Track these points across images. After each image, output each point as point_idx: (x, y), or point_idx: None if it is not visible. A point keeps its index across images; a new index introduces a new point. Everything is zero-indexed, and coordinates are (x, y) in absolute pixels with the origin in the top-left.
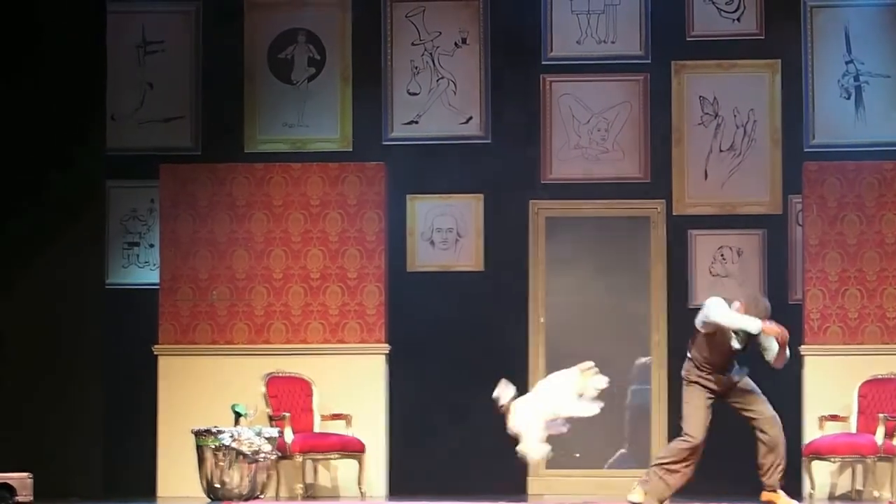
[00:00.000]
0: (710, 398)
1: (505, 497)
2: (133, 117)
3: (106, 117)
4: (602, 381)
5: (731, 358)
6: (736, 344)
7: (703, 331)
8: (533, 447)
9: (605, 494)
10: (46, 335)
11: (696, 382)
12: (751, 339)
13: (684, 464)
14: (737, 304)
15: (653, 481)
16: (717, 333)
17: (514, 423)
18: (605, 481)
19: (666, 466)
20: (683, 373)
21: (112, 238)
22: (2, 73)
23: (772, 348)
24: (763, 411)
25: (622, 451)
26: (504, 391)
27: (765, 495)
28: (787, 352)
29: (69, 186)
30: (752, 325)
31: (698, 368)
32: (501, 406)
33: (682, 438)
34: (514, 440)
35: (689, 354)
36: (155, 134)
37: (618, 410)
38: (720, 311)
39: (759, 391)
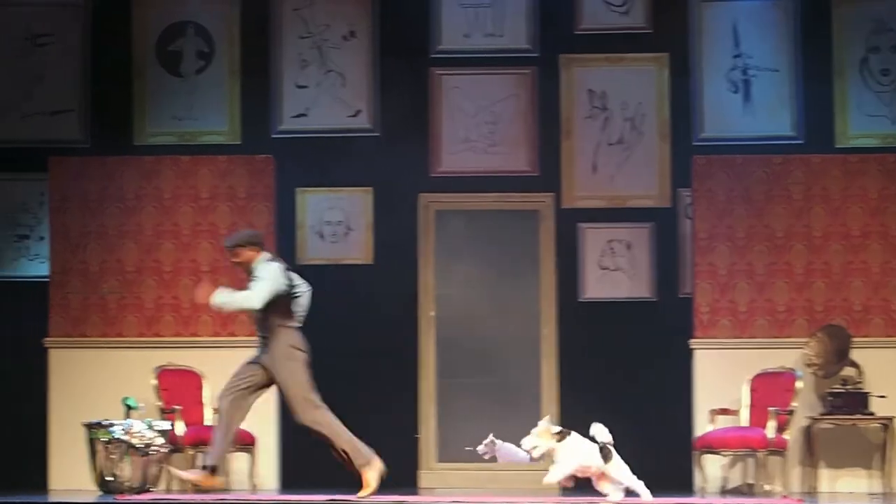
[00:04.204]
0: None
1: (396, 490)
2: (22, 110)
3: None
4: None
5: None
6: None
7: None
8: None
9: (495, 488)
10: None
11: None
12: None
13: None
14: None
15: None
16: None
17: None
18: (496, 475)
19: None
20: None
21: (2, 231)
22: None
23: None
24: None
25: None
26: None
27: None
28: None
29: None
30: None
31: None
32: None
33: None
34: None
35: None
36: (44, 127)
37: (504, 404)
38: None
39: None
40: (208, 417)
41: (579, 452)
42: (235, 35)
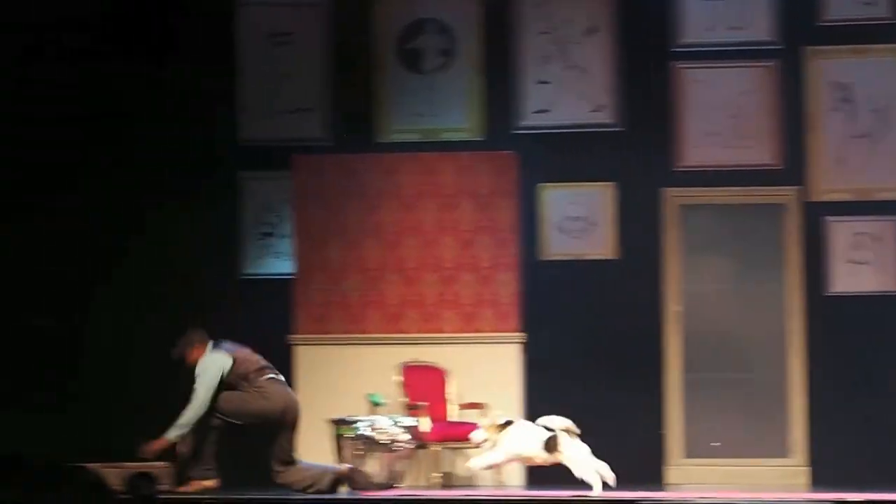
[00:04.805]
0: None
1: (643, 486)
2: (265, 109)
3: (238, 109)
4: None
5: None
6: None
7: None
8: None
9: (742, 484)
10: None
11: None
12: None
13: None
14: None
15: None
16: None
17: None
18: (743, 471)
19: None
20: None
21: (247, 229)
22: (138, 70)
23: None
24: None
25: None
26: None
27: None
28: None
29: (204, 178)
30: None
31: None
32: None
33: None
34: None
35: None
36: (287, 125)
37: (750, 399)
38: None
39: None
40: (452, 414)
41: (517, 442)
42: (476, 31)
